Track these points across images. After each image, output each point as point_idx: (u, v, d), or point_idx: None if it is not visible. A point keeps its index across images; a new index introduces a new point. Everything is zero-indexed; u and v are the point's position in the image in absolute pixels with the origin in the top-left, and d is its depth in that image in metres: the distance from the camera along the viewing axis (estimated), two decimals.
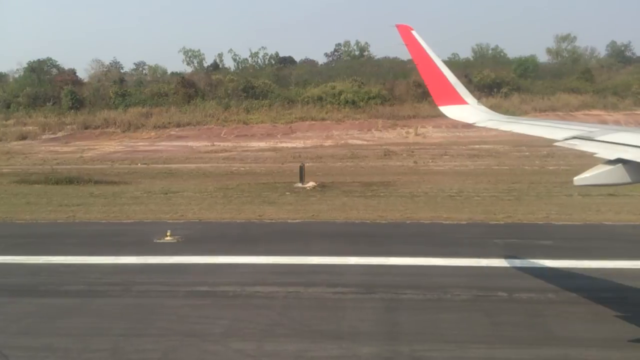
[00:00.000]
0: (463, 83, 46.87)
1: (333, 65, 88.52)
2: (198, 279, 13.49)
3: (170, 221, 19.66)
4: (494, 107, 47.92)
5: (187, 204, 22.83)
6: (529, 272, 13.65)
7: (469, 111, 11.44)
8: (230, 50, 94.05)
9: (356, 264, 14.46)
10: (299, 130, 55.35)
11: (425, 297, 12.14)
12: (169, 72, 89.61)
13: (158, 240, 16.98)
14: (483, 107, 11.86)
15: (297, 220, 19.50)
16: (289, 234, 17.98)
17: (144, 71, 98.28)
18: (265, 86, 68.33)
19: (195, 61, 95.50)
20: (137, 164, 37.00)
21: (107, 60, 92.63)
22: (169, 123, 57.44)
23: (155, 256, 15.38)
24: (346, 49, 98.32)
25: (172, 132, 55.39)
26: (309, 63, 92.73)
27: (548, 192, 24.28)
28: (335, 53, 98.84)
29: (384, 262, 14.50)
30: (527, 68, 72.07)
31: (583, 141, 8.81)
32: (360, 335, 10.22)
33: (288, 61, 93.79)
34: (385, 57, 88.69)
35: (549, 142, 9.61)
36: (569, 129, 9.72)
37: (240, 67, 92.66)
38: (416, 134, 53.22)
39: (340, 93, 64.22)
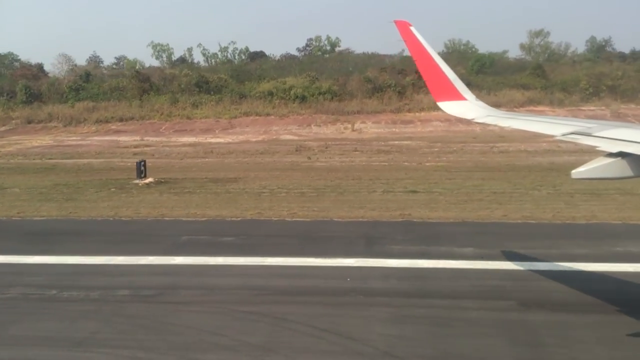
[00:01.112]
0: (412, 79, 47.75)
1: (302, 59, 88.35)
2: None
3: None
4: (432, 102, 47.71)
5: None
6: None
7: (467, 107, 11.62)
8: (200, 45, 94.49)
9: None
10: (239, 126, 55.46)
11: None
12: (146, 66, 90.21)
13: None
14: (481, 103, 12.00)
15: (83, 219, 19.98)
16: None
17: (123, 65, 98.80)
18: (220, 81, 68.50)
19: (164, 55, 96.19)
20: (32, 159, 37.19)
21: (87, 55, 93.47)
22: (112, 117, 57.76)
23: None
24: (317, 44, 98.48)
25: (113, 127, 55.72)
26: (289, 57, 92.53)
27: (367, 187, 24.56)
28: (307, 48, 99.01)
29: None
30: (484, 64, 71.76)
31: (582, 136, 8.94)
32: None
33: (259, 56, 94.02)
34: (364, 53, 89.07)
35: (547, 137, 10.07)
36: (567, 125, 9.82)
37: (210, 62, 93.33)
38: (353, 130, 53.15)
39: (290, 88, 64.28)
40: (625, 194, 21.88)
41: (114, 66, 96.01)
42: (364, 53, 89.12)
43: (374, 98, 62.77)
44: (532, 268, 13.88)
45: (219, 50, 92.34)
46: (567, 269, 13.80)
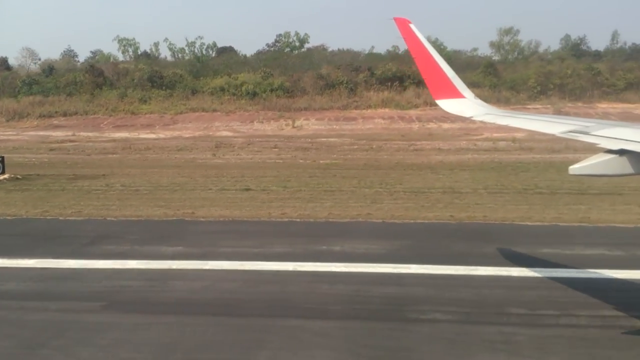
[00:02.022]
0: (365, 77, 47.81)
1: (263, 56, 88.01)
2: None
3: None
4: (385, 101, 47.81)
5: None
6: None
7: (466, 105, 11.53)
8: (166, 40, 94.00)
9: None
10: (182, 122, 55.18)
11: None
12: (120, 59, 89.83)
13: None
14: (480, 101, 11.94)
15: None
16: None
17: (98, 60, 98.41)
18: (174, 76, 68.29)
19: (130, 50, 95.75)
20: None
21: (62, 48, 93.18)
22: (56, 112, 57.57)
23: None
24: (286, 40, 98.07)
25: (55, 122, 55.49)
26: (258, 53, 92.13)
27: (208, 185, 24.19)
28: (277, 44, 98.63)
29: None
30: None
31: (581, 135, 8.86)
32: None
33: (228, 51, 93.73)
34: (340, 49, 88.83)
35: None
36: (566, 124, 9.79)
37: (176, 57, 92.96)
38: (293, 127, 52.88)
39: (241, 84, 64.10)
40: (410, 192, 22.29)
41: (90, 60, 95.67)
42: (339, 49, 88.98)
43: (325, 95, 62.57)
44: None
45: (185, 45, 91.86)
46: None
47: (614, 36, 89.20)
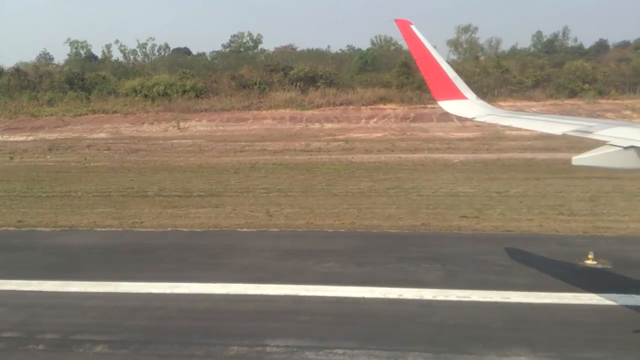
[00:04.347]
0: (279, 77, 47.44)
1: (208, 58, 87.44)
2: None
3: None
4: (289, 101, 46.79)
5: None
6: None
7: (468, 106, 11.60)
8: (117, 42, 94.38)
9: None
10: (73, 124, 54.66)
11: None
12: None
13: None
14: (482, 102, 11.98)
15: None
16: None
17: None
18: (96, 78, 68.34)
19: (82, 52, 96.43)
20: None
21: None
22: None
23: None
24: (240, 41, 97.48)
25: None
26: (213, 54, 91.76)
27: None
28: (232, 44, 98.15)
29: None
30: (366, 61, 69.58)
31: (585, 134, 8.89)
32: None
33: (183, 52, 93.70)
34: (308, 49, 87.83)
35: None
36: (568, 124, 9.81)
37: (128, 59, 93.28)
38: (178, 128, 52.13)
39: (153, 85, 63.68)
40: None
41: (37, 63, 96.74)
42: (308, 50, 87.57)
43: (237, 96, 61.65)
44: None
45: (137, 47, 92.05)
46: None
47: (565, 32, 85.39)
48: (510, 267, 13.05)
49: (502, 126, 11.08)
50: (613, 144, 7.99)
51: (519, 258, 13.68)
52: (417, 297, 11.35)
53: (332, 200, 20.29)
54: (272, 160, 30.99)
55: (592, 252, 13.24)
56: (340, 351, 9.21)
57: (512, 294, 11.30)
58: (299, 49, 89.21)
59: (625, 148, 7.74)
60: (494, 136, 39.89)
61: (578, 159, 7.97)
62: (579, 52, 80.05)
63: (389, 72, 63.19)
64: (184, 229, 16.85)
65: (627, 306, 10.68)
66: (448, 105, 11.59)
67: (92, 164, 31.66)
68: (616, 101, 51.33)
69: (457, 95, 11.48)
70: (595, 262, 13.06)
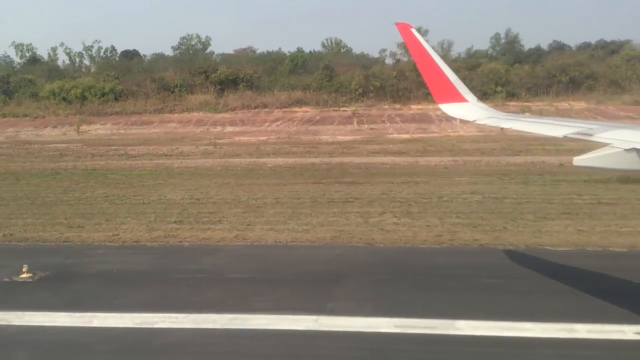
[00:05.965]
0: (200, 80, 46.63)
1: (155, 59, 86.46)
2: None
3: None
4: (203, 104, 45.45)
5: None
6: None
7: (468, 109, 11.58)
8: (62, 44, 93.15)
9: None
10: None
11: None
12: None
13: None
14: (482, 105, 11.93)
15: None
16: None
17: None
18: (22, 81, 67.29)
19: (28, 55, 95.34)
20: None
21: None
22: None
23: None
24: (188, 43, 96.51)
25: None
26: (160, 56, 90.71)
27: None
28: (181, 46, 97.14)
29: None
30: (296, 64, 68.45)
31: (586, 137, 8.80)
32: None
33: (132, 55, 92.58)
34: (268, 51, 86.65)
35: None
36: (569, 126, 9.73)
37: (73, 62, 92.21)
38: (78, 132, 51.02)
39: (71, 88, 62.50)
40: None
41: None
42: (268, 52, 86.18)
43: (155, 98, 60.46)
44: None
45: (83, 49, 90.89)
46: None
47: (508, 34, 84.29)
48: None
49: (503, 128, 10.58)
50: (615, 145, 7.98)
51: None
52: None
53: None
54: (95, 166, 29.87)
55: None
56: None
57: None
58: (258, 51, 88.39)
59: (627, 150, 7.74)
60: (372, 140, 38.75)
61: (579, 160, 8.05)
62: (537, 53, 79.16)
63: (308, 76, 62.12)
64: None
65: None
66: (449, 108, 11.51)
67: None
68: (525, 103, 50.36)
69: (458, 98, 11.45)
70: None
